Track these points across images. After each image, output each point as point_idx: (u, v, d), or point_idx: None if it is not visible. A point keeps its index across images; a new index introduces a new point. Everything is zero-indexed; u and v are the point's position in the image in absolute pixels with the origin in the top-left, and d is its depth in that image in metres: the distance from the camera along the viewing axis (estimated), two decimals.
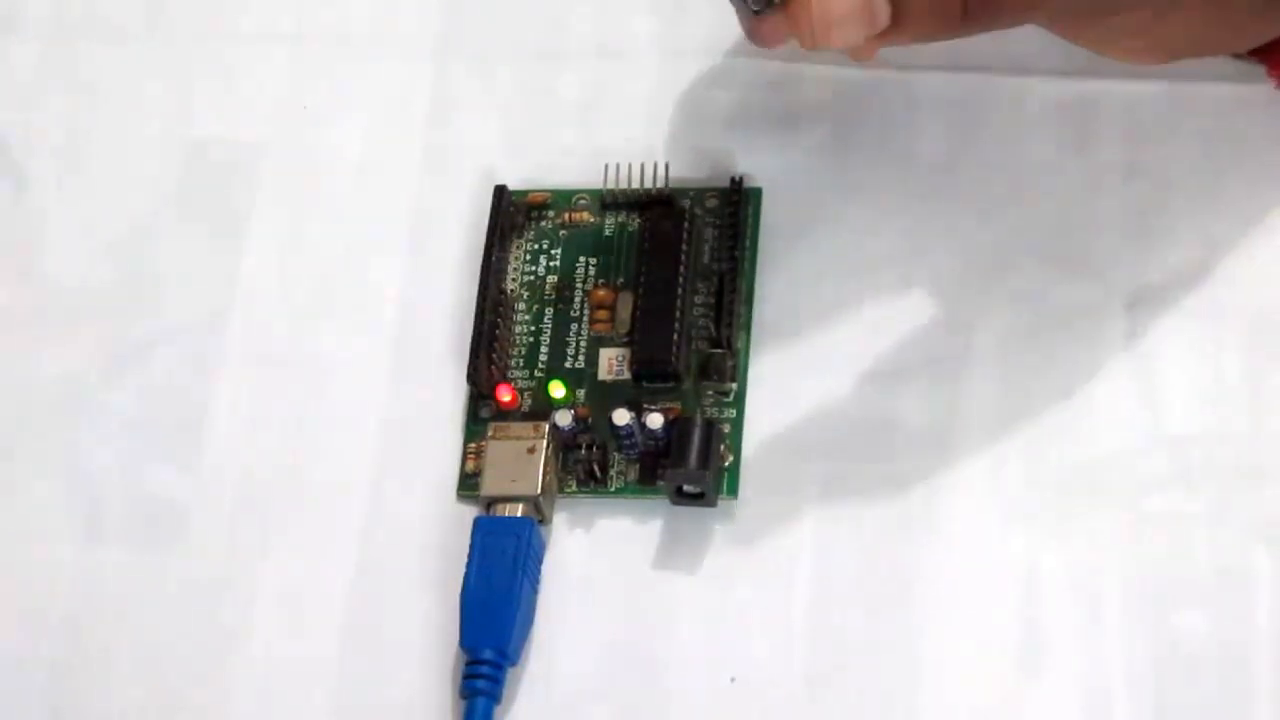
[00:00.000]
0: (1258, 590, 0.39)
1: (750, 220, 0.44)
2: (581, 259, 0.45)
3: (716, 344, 0.43)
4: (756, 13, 0.37)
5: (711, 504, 0.41)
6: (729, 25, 0.47)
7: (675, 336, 0.42)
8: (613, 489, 0.42)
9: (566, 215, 0.45)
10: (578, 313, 0.44)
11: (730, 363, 0.42)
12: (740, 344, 0.43)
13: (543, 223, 0.45)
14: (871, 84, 0.45)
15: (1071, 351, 0.42)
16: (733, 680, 0.40)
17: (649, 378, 0.43)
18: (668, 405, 0.42)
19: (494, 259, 0.44)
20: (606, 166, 0.45)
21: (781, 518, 0.41)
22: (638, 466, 0.42)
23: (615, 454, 0.42)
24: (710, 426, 0.41)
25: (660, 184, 0.44)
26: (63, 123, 0.49)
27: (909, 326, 0.43)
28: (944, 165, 0.45)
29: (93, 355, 0.46)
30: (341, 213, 0.47)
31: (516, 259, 0.45)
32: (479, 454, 0.42)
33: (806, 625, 0.41)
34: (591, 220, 0.45)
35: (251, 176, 0.47)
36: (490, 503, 0.42)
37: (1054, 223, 0.44)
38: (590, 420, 0.42)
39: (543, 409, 0.43)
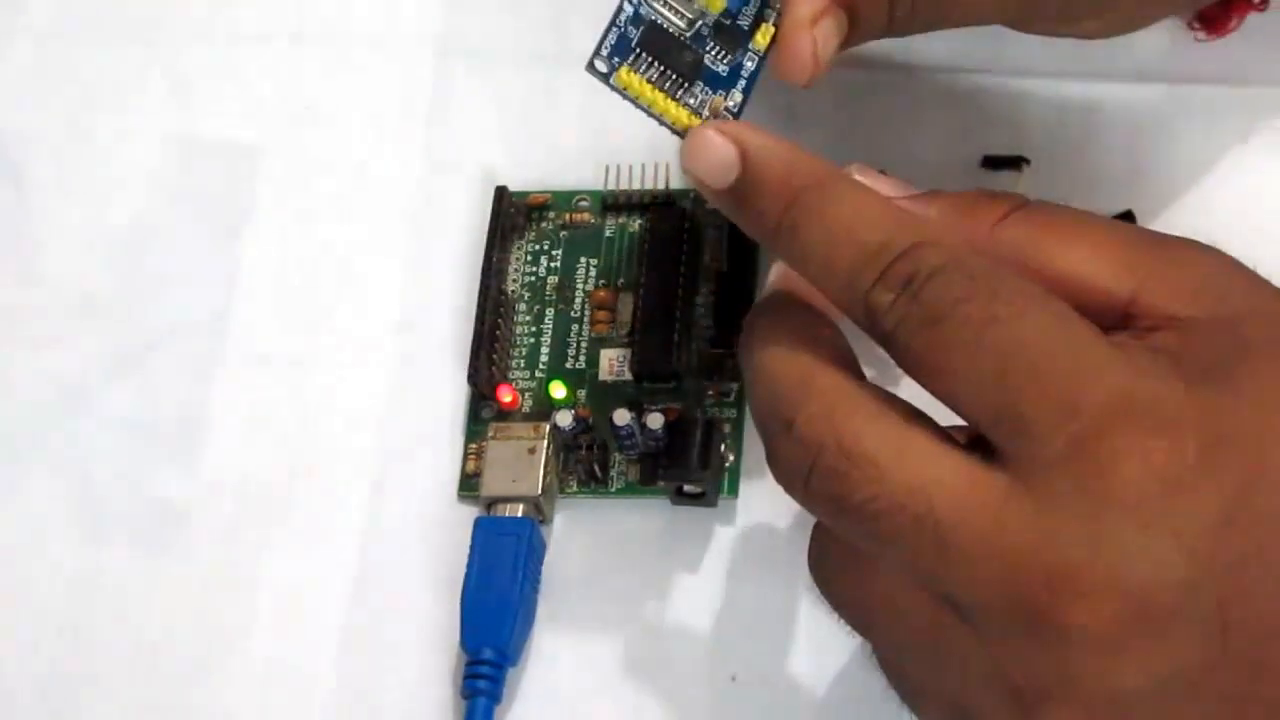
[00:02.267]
0: None
1: None
2: (582, 260, 0.45)
3: (717, 344, 0.43)
4: None
5: (712, 504, 0.41)
6: None
7: (676, 337, 0.42)
8: (613, 489, 0.42)
9: (567, 216, 0.45)
10: (578, 313, 0.44)
11: (731, 363, 0.42)
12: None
13: (543, 224, 0.45)
14: (872, 84, 0.46)
15: None
16: (733, 679, 0.41)
17: (650, 378, 0.43)
18: (668, 405, 0.42)
19: (494, 260, 0.44)
20: (607, 168, 0.45)
21: (781, 517, 0.42)
22: (638, 466, 0.42)
23: (616, 454, 0.42)
24: (711, 426, 0.41)
25: (661, 185, 0.45)
26: (63, 123, 0.49)
27: None
28: (944, 164, 0.45)
29: (93, 355, 0.46)
30: (341, 213, 0.47)
31: (517, 260, 0.45)
32: (480, 454, 0.42)
33: (806, 625, 0.41)
34: (592, 221, 0.45)
35: (251, 176, 0.47)
36: (491, 503, 0.42)
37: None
38: (591, 420, 0.42)
39: (544, 409, 0.43)
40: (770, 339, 0.34)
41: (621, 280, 0.44)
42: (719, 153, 0.35)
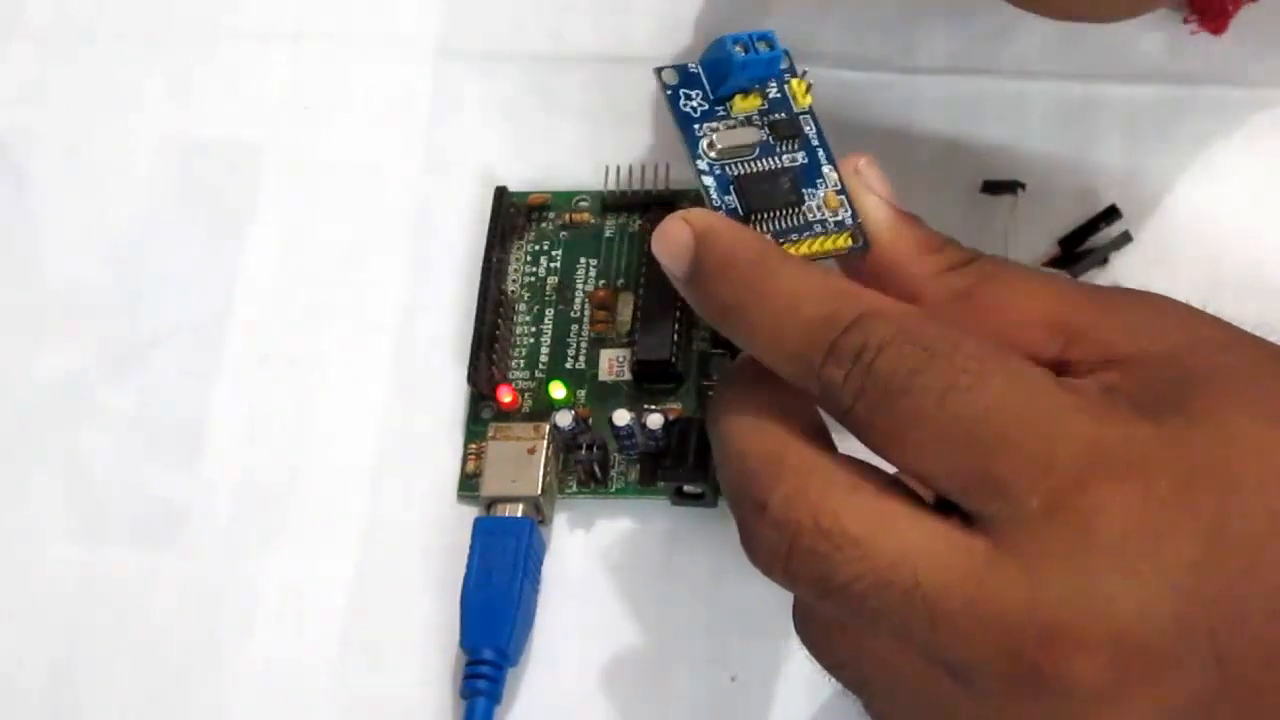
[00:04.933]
0: None
1: None
2: (582, 260, 0.45)
3: (717, 344, 0.43)
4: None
5: (711, 504, 0.41)
6: (728, 28, 0.47)
7: (675, 337, 0.42)
8: (613, 489, 0.42)
9: (567, 216, 0.45)
10: (578, 314, 0.44)
11: (730, 363, 0.42)
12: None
13: (543, 224, 0.45)
14: (872, 84, 0.46)
15: None
16: (733, 680, 0.41)
17: (650, 378, 0.43)
18: (668, 406, 0.42)
19: (494, 260, 0.44)
20: (607, 168, 0.45)
21: None
22: (638, 467, 0.42)
23: (615, 454, 0.42)
24: None
25: (661, 185, 0.45)
26: (63, 123, 0.49)
27: None
28: (944, 166, 0.45)
29: (93, 355, 0.46)
30: (341, 213, 0.47)
31: (517, 260, 0.45)
32: (479, 454, 0.43)
33: None
34: (592, 221, 0.45)
35: (251, 176, 0.47)
36: (490, 503, 0.42)
37: (1054, 224, 0.44)
38: (591, 421, 0.42)
39: (543, 410, 0.43)
40: (737, 414, 0.34)
41: (621, 280, 0.44)
42: (677, 237, 0.35)
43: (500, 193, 0.45)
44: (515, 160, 0.46)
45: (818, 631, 0.34)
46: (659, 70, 0.36)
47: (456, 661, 0.41)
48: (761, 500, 0.32)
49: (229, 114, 0.48)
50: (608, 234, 0.45)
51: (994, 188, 0.44)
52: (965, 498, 0.31)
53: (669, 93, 0.36)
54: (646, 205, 0.45)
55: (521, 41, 0.48)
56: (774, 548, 0.32)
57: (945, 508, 0.32)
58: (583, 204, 0.45)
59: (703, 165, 0.35)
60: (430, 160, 0.47)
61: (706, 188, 0.35)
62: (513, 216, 0.45)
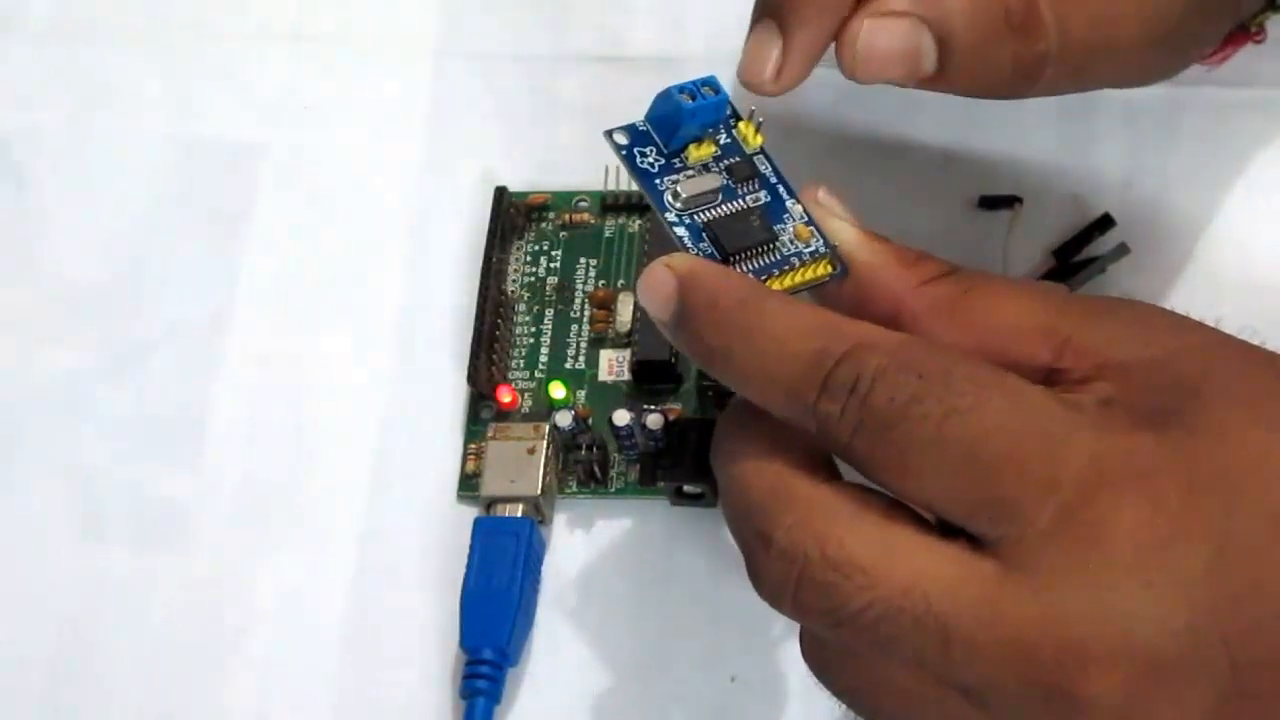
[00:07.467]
0: None
1: None
2: (582, 260, 0.45)
3: None
4: None
5: (712, 504, 0.41)
6: (727, 28, 0.47)
7: None
8: (613, 489, 0.42)
9: (567, 217, 0.45)
10: (578, 314, 0.44)
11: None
12: None
13: (543, 224, 0.45)
14: (869, 89, 0.45)
15: None
16: (733, 680, 0.41)
17: (649, 378, 0.43)
18: (668, 406, 0.42)
19: (494, 260, 0.44)
20: (607, 168, 0.45)
21: None
22: (637, 467, 0.42)
23: (615, 454, 0.42)
24: (710, 427, 0.41)
25: None
26: (63, 123, 0.49)
27: None
28: (944, 165, 0.45)
29: (93, 355, 0.46)
30: (341, 213, 0.47)
31: (517, 260, 0.45)
32: (479, 454, 0.43)
33: None
34: (592, 222, 0.45)
35: (251, 176, 0.47)
36: (490, 503, 0.42)
37: (1054, 223, 0.44)
38: (590, 421, 0.42)
39: (543, 410, 0.43)
40: (738, 450, 0.34)
41: (621, 280, 0.44)
42: (660, 283, 0.34)
43: (500, 193, 0.45)
44: (515, 160, 0.46)
45: (826, 658, 0.34)
46: (609, 133, 0.36)
47: (456, 661, 0.41)
48: (767, 534, 0.32)
49: (228, 114, 0.48)
50: (607, 234, 0.45)
51: (991, 203, 0.44)
52: (971, 521, 0.31)
53: (623, 153, 0.36)
54: (646, 205, 0.44)
55: (521, 41, 0.48)
56: (781, 581, 0.32)
57: (950, 530, 0.31)
58: (583, 204, 0.45)
59: (671, 217, 0.35)
60: (430, 160, 0.47)
61: (680, 238, 0.35)
62: (513, 216, 0.45)
